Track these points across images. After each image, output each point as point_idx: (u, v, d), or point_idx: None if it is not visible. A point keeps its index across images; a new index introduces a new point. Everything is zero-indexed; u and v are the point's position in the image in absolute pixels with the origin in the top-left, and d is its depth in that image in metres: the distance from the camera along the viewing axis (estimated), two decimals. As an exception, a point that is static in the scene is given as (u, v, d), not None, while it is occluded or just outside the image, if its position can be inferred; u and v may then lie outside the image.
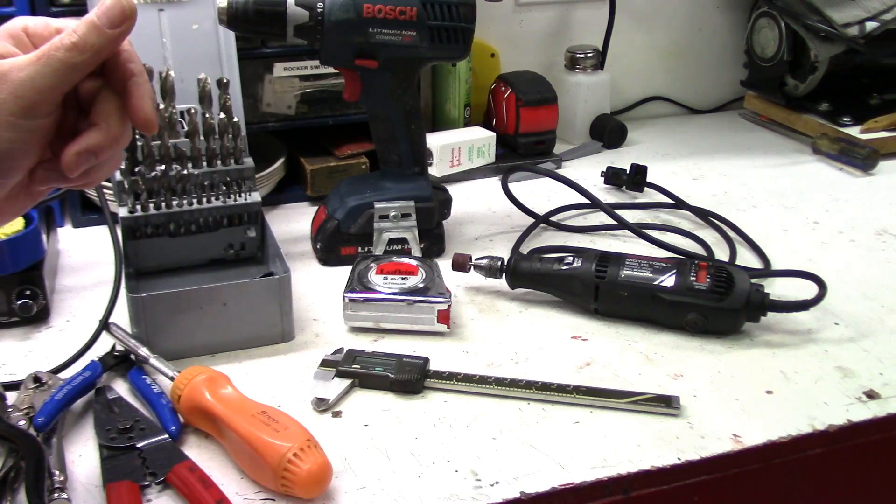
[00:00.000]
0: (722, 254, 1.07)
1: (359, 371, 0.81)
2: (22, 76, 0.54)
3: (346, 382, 0.80)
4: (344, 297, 0.89)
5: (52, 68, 0.55)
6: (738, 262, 1.05)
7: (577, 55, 1.50)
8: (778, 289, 0.97)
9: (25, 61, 0.54)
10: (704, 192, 1.27)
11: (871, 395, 0.80)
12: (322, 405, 0.77)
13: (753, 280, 0.90)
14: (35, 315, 0.90)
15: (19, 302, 0.89)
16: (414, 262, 0.95)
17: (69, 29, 0.56)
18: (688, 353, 0.87)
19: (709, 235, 1.12)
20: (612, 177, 1.30)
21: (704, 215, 1.17)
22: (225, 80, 0.96)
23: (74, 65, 0.55)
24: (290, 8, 0.93)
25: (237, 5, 0.92)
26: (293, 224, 1.16)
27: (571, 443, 0.73)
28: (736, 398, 0.79)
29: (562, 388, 0.79)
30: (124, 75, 0.59)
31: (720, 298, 0.87)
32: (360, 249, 1.05)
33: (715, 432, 0.74)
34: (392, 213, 1.03)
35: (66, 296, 0.98)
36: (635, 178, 1.28)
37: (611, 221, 1.13)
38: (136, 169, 0.94)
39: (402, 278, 0.92)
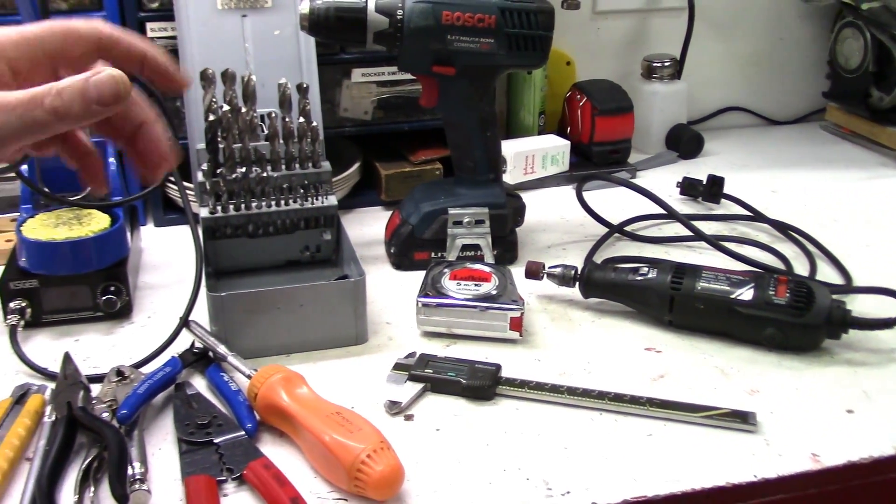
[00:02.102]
0: (801, 268, 1.05)
1: (431, 376, 0.81)
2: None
3: (418, 386, 0.80)
4: (417, 301, 0.90)
5: (24, 122, 0.51)
6: (819, 277, 1.03)
7: (654, 64, 1.49)
8: (860, 306, 0.94)
9: (12, 103, 0.51)
10: (784, 205, 1.25)
11: (958, 417, 0.77)
12: (394, 408, 0.78)
13: (834, 296, 0.88)
14: (118, 310, 0.93)
15: (104, 297, 0.92)
16: (487, 269, 0.95)
17: (57, 87, 0.51)
18: (765, 368, 0.85)
19: (788, 249, 1.10)
20: (688, 187, 1.28)
21: (784, 228, 1.15)
22: (305, 85, 0.98)
23: (46, 127, 0.51)
24: (370, 15, 0.94)
25: (319, 12, 0.94)
26: (367, 228, 1.17)
27: (644, 455, 0.72)
28: (815, 416, 0.78)
29: (635, 400, 0.78)
30: (132, 124, 0.58)
31: (800, 314, 0.86)
32: (433, 255, 1.05)
33: (793, 451, 0.73)
34: (466, 220, 1.04)
35: (148, 292, 1.00)
36: (712, 189, 1.26)
37: (686, 233, 1.11)
38: (218, 171, 0.96)
39: (476, 284, 0.92)
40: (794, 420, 0.77)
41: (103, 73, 0.52)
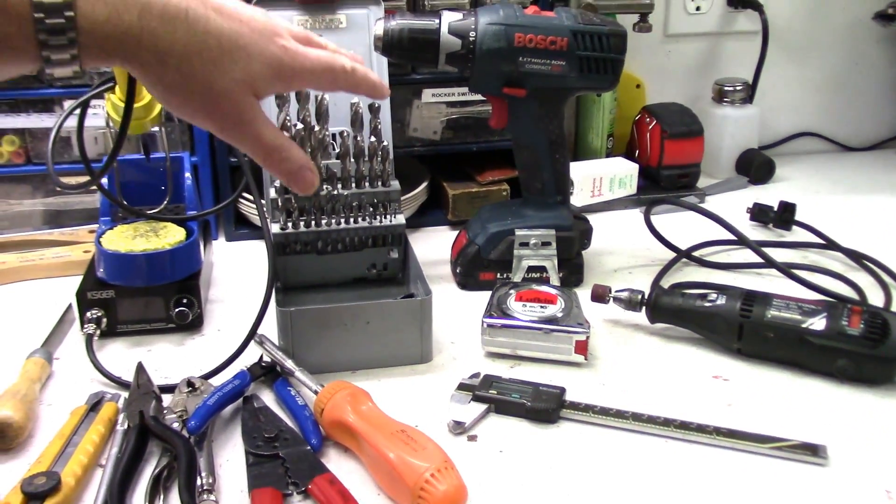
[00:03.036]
0: (876, 299, 1.02)
1: (495, 397, 0.81)
2: (251, 144, 0.68)
3: (482, 407, 0.80)
4: (483, 322, 0.90)
5: (258, 158, 0.69)
6: (894, 308, 1.00)
7: (726, 88, 1.47)
8: (937, 339, 0.91)
9: (270, 145, 0.68)
10: (858, 234, 1.22)
11: None
12: (458, 428, 0.78)
13: (911, 328, 0.86)
14: (190, 322, 0.95)
15: (176, 309, 0.94)
16: (553, 291, 0.95)
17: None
18: (837, 400, 0.83)
19: (862, 279, 1.07)
20: (759, 213, 1.26)
21: (858, 258, 1.12)
22: (376, 105, 0.99)
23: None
24: (443, 36, 0.95)
25: (393, 32, 0.95)
26: (433, 247, 1.18)
27: (711, 485, 0.71)
28: (889, 452, 0.75)
29: (701, 429, 0.77)
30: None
31: (874, 345, 0.83)
32: (498, 275, 1.05)
33: (865, 487, 0.71)
34: (532, 241, 1.04)
35: (218, 305, 1.02)
36: (783, 215, 1.24)
37: (756, 259, 1.10)
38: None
39: (541, 306, 0.92)
40: (866, 455, 0.75)
41: (313, 175, 0.72)
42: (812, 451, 0.74)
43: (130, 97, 0.73)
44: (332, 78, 0.71)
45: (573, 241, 1.05)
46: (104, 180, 0.98)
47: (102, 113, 0.94)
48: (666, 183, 1.37)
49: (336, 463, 0.74)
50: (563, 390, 0.82)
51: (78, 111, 0.90)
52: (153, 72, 0.61)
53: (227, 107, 0.64)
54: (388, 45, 0.96)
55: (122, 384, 0.84)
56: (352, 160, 0.99)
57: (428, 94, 1.22)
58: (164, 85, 0.62)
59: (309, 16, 1.07)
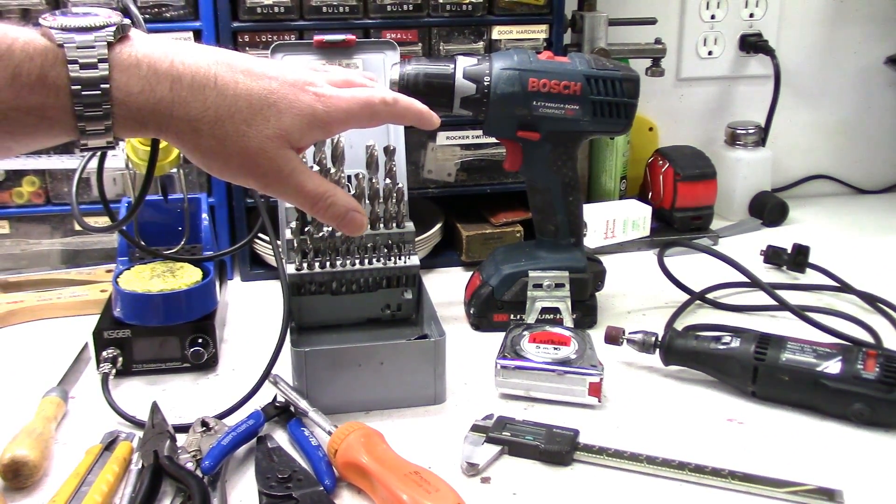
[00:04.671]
0: (892, 342, 1.02)
1: (509, 438, 0.81)
2: (292, 189, 0.69)
3: (495, 449, 0.80)
4: (496, 363, 0.90)
5: (300, 202, 0.70)
6: (910, 351, 1.00)
7: (738, 131, 1.48)
8: (954, 383, 0.91)
9: (307, 189, 0.69)
10: (872, 276, 1.22)
11: None
12: (472, 470, 0.78)
13: (927, 372, 0.85)
14: (204, 362, 0.95)
15: (191, 349, 0.94)
16: (567, 333, 0.95)
17: (330, 198, 0.70)
18: (852, 445, 0.83)
19: (877, 321, 1.07)
20: (773, 256, 1.26)
21: (872, 300, 1.12)
22: (392, 148, 1.01)
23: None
24: (458, 81, 0.97)
25: (409, 77, 0.97)
26: (447, 288, 1.18)
27: (726, 530, 0.71)
28: (906, 497, 0.75)
29: (716, 472, 0.77)
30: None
31: (889, 390, 0.83)
32: (512, 317, 1.06)
33: (882, 532, 0.70)
34: (546, 283, 1.04)
35: (232, 345, 1.03)
36: (797, 258, 1.24)
37: (770, 302, 1.10)
38: (305, 229, 0.98)
39: (555, 348, 0.92)
40: (883, 499, 0.74)
41: (362, 217, 0.73)
42: (829, 496, 0.74)
43: (155, 144, 0.75)
44: (372, 113, 0.72)
45: (587, 282, 1.06)
46: (122, 221, 0.99)
47: (122, 155, 0.95)
48: (679, 225, 1.38)
49: (349, 504, 0.74)
50: (576, 432, 0.82)
51: (98, 154, 0.91)
52: (188, 139, 0.63)
53: (266, 163, 0.65)
54: (404, 88, 0.97)
55: (137, 423, 0.85)
56: (367, 202, 1.00)
57: (442, 137, 1.23)
58: (202, 151, 0.64)
59: (326, 60, 1.09)
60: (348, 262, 1.00)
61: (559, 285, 1.04)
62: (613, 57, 1.30)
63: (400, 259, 1.02)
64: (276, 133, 0.65)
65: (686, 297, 1.13)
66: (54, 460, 0.79)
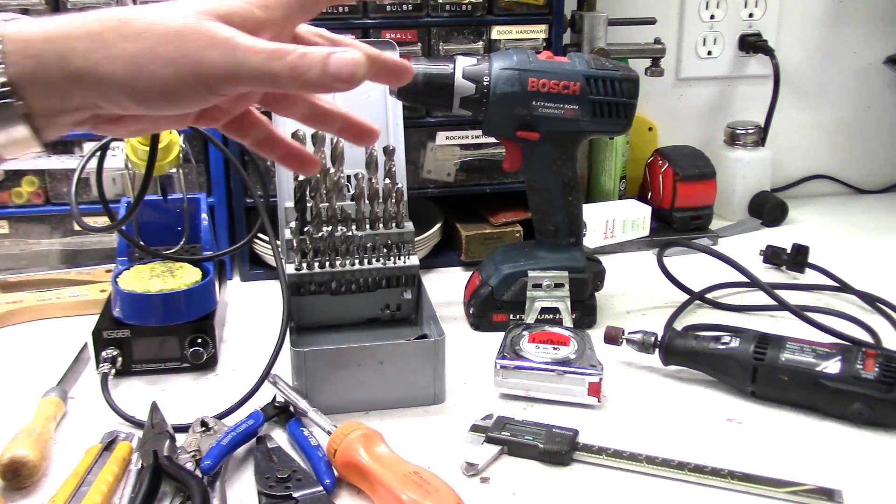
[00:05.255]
0: (891, 341, 1.02)
1: (508, 438, 0.81)
2: (244, 57, 0.51)
3: (495, 449, 0.80)
4: (496, 363, 0.90)
5: (261, 70, 0.52)
6: (909, 351, 1.00)
7: (738, 131, 1.48)
8: (953, 383, 0.91)
9: (258, 48, 0.52)
10: (871, 276, 1.22)
11: None
12: (471, 470, 0.78)
13: (926, 372, 0.85)
14: (204, 362, 0.95)
15: (191, 349, 0.94)
16: (566, 333, 0.95)
17: (302, 49, 0.52)
18: (851, 444, 0.83)
19: (876, 321, 1.07)
20: (772, 256, 1.26)
21: (871, 300, 1.12)
22: (391, 148, 1.01)
23: (279, 81, 0.52)
24: (457, 81, 0.97)
25: (408, 77, 0.96)
26: (446, 288, 1.18)
27: (725, 530, 0.71)
28: (905, 497, 0.75)
29: (716, 472, 0.77)
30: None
31: (889, 389, 0.83)
32: (511, 317, 1.06)
33: (882, 532, 0.70)
34: (545, 283, 1.04)
35: (232, 345, 1.03)
36: (796, 258, 1.24)
37: (769, 302, 1.10)
38: (305, 229, 0.98)
39: (554, 348, 0.92)
40: (882, 499, 0.74)
41: (348, 53, 0.53)
42: (828, 496, 0.74)
43: (154, 143, 0.75)
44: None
45: (586, 282, 1.06)
46: (122, 220, 0.99)
47: (121, 155, 0.95)
48: (678, 225, 1.38)
49: (349, 504, 0.74)
50: (576, 432, 0.82)
51: (98, 153, 0.91)
52: (100, 56, 0.51)
53: (195, 38, 0.52)
54: (403, 89, 0.97)
55: (137, 423, 0.85)
56: (366, 202, 1.00)
57: (442, 137, 1.23)
58: (122, 62, 0.51)
59: (325, 60, 1.09)
60: (348, 261, 1.00)
61: (559, 285, 1.04)
62: (613, 57, 1.30)
63: (399, 259, 1.02)
64: (193, 10, 0.53)
65: (685, 296, 1.13)
66: (54, 460, 0.79)
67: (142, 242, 0.99)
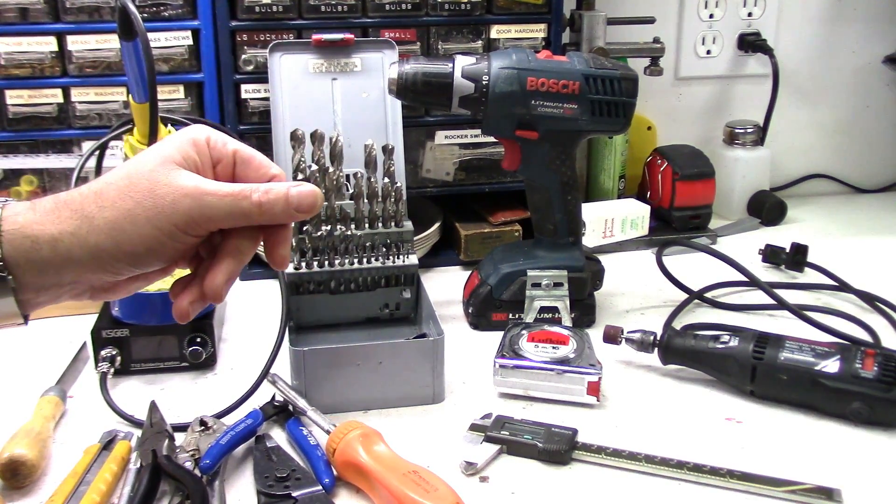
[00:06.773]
0: (890, 341, 1.02)
1: (507, 438, 0.81)
2: (213, 202, 0.58)
3: (494, 448, 0.80)
4: (495, 362, 0.90)
5: (231, 211, 0.59)
6: (908, 350, 1.00)
7: (737, 130, 1.48)
8: (952, 382, 0.91)
9: (223, 192, 0.59)
10: (871, 275, 1.22)
11: None
12: (470, 469, 0.78)
13: (925, 371, 0.85)
14: (203, 361, 0.95)
15: (190, 348, 0.94)
16: (565, 332, 0.95)
17: (263, 187, 0.60)
18: (850, 443, 0.83)
19: (875, 321, 1.07)
20: (771, 255, 1.26)
21: (870, 299, 1.12)
22: (390, 147, 1.01)
23: (249, 217, 0.60)
24: (456, 80, 0.97)
25: (407, 76, 0.97)
26: (445, 287, 1.18)
27: (724, 529, 0.71)
28: (904, 496, 0.75)
29: (715, 471, 0.77)
30: (277, 225, 0.64)
31: (888, 388, 0.83)
32: (510, 316, 1.06)
33: (881, 531, 0.70)
34: (544, 282, 1.04)
35: (231, 344, 1.03)
36: (795, 257, 1.24)
37: (768, 301, 1.10)
38: (304, 228, 0.98)
39: (553, 347, 0.92)
40: (881, 498, 0.74)
41: (305, 186, 0.61)
42: (827, 495, 0.74)
43: (153, 142, 0.75)
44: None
45: (585, 281, 1.06)
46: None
47: (120, 154, 0.95)
48: (678, 224, 1.38)
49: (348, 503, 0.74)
50: (575, 431, 0.82)
51: (97, 152, 0.91)
52: (85, 228, 0.58)
53: (164, 190, 0.58)
54: (403, 88, 0.97)
55: (136, 423, 0.85)
56: (365, 201, 1.00)
57: (441, 136, 1.23)
58: (106, 229, 0.58)
59: (324, 59, 1.09)
60: (347, 261, 1.00)
61: (557, 284, 1.04)
62: (612, 56, 1.30)
63: (398, 258, 1.02)
64: (159, 161, 0.59)
65: (684, 296, 1.13)
66: (52, 460, 0.79)
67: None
